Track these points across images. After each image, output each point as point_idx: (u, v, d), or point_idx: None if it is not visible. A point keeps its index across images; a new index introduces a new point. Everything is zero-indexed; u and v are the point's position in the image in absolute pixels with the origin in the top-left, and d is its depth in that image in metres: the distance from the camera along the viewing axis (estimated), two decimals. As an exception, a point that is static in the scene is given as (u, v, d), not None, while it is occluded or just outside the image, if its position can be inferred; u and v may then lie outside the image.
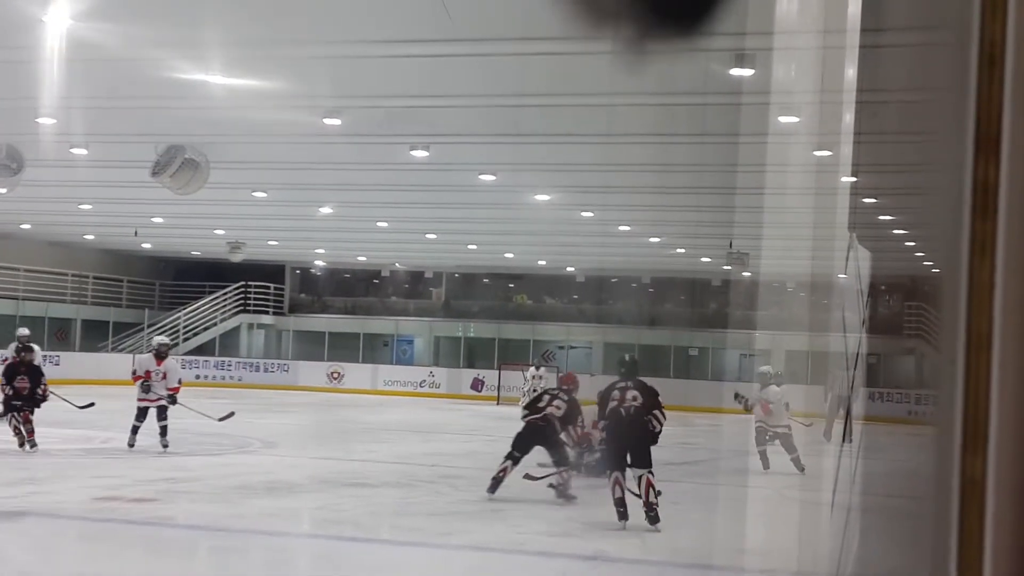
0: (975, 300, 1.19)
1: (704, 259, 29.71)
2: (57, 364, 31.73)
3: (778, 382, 15.58)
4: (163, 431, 14.79)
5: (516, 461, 11.93)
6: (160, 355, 15.51)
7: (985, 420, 1.15)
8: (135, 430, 14.59)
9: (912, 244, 19.45)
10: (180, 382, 15.41)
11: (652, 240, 27.14)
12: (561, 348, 37.75)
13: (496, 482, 11.81)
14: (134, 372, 15.43)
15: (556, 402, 12.20)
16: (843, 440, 17.84)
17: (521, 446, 12.02)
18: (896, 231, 18.47)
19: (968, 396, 1.16)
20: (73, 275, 36.26)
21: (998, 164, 1.20)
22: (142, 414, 14.82)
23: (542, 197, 20.94)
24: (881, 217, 18.77)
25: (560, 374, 18.27)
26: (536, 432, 11.99)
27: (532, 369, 30.62)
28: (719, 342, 35.05)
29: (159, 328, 36.92)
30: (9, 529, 9.30)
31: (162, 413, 14.89)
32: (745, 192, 16.87)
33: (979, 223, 1.19)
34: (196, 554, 8.72)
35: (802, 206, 14.50)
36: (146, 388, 15.18)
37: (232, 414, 16.50)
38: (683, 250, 29.00)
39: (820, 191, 12.72)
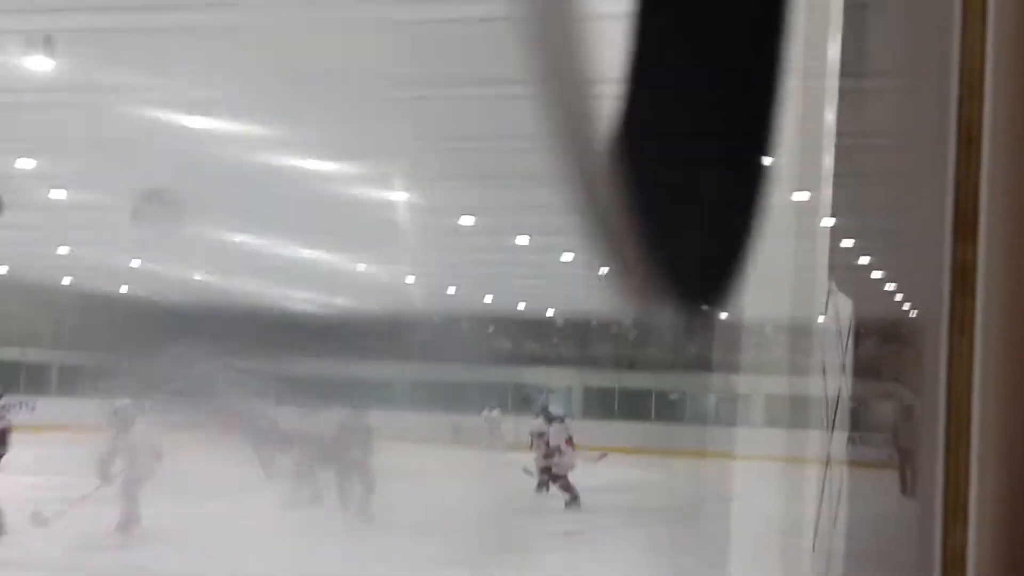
0: (955, 385, 1.18)
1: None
2: (33, 410, 31.47)
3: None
4: None
5: None
6: None
7: (966, 491, 1.14)
8: None
9: (891, 288, 19.54)
10: None
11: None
12: (540, 392, 37.64)
13: None
14: None
15: None
16: (902, 491, 17.69)
17: None
18: (875, 274, 18.51)
19: (949, 469, 1.16)
20: (50, 319, 36.04)
21: (976, 245, 1.20)
22: None
23: (522, 240, 20.94)
24: (860, 260, 18.81)
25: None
26: None
27: (486, 411, 31.03)
28: (699, 386, 34.99)
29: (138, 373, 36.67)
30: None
31: None
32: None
33: (959, 299, 1.19)
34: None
35: (780, 248, 14.53)
36: None
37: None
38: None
39: (799, 233, 12.78)
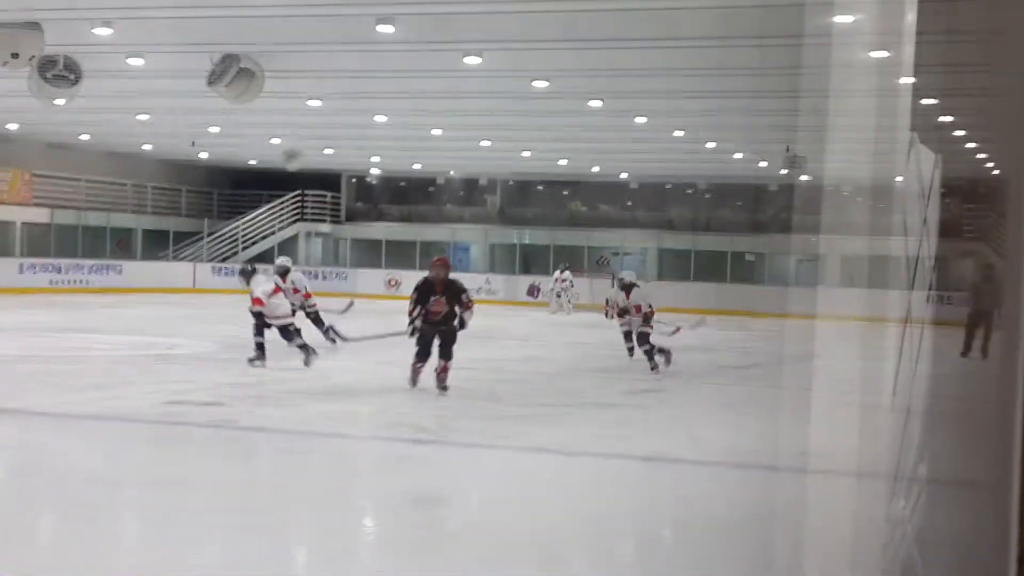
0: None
1: (761, 164, 29.45)
2: (120, 273, 32.29)
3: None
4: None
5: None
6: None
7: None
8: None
9: (973, 146, 19.12)
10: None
11: (708, 145, 26.92)
12: (615, 254, 37.73)
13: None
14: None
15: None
16: (982, 355, 17.43)
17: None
18: (957, 133, 18.14)
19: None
20: (133, 185, 36.68)
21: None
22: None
23: (596, 103, 20.80)
24: (941, 119, 18.40)
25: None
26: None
27: (557, 272, 30.92)
28: (776, 247, 34.85)
29: (218, 236, 37.38)
30: (79, 433, 9.56)
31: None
32: (803, 95, 16.65)
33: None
34: (261, 456, 8.94)
35: (861, 108, 14.29)
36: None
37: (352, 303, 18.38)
38: (740, 155, 28.75)
39: (879, 92, 12.55)
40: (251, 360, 14.10)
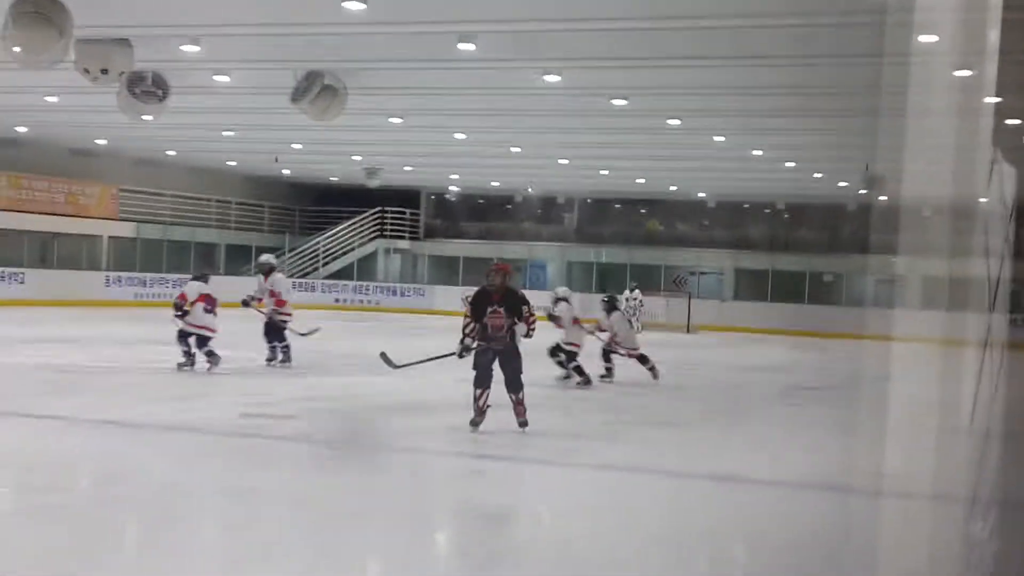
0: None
1: (840, 183, 29.16)
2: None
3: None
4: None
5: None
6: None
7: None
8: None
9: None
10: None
11: (786, 164, 26.73)
12: (692, 274, 37.56)
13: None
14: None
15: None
16: None
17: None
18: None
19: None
20: (216, 200, 37.25)
21: None
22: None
23: (674, 121, 20.78)
24: (1026, 139, 18.09)
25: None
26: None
27: (627, 291, 30.65)
28: (854, 267, 34.44)
29: (299, 251, 37.90)
30: (158, 443, 9.72)
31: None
32: (883, 114, 16.50)
33: None
34: (333, 469, 9.03)
35: (942, 128, 14.11)
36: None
37: (317, 330, 17.33)
38: (819, 175, 28.50)
39: (961, 112, 12.40)
40: (180, 365, 14.75)
